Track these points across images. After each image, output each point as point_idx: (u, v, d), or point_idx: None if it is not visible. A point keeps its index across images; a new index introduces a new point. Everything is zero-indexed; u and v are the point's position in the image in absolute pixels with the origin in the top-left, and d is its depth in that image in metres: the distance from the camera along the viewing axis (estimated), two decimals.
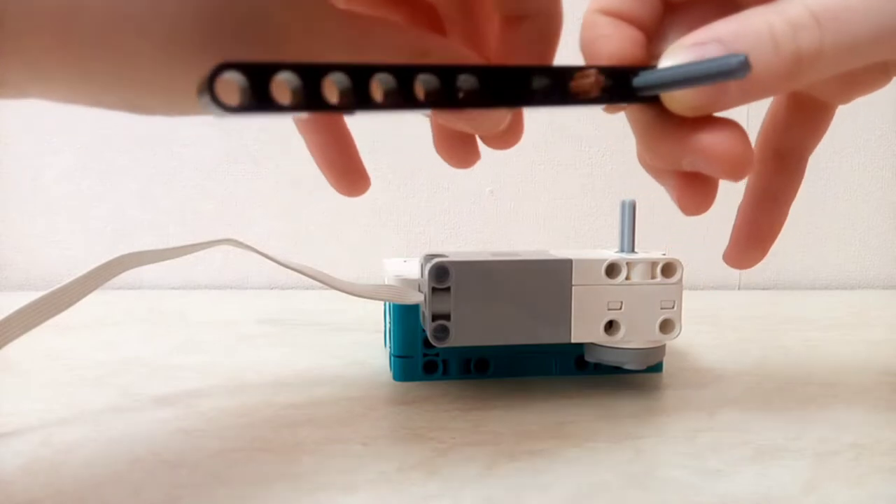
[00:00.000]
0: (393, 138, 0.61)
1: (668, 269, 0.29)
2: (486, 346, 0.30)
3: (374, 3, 0.23)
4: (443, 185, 0.63)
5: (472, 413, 0.27)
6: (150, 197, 0.62)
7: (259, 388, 0.30)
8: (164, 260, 0.29)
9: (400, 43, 0.19)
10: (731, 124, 0.20)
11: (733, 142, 0.20)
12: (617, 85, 0.20)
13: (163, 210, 0.62)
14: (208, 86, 0.15)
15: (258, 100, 0.15)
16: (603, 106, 0.20)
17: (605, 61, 0.21)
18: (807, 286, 0.65)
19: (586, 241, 0.63)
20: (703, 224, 0.58)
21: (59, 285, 0.26)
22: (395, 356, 0.31)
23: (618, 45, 0.21)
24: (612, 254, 0.30)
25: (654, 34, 0.22)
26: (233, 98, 0.15)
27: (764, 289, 0.64)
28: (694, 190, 0.22)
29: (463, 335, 0.28)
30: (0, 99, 0.17)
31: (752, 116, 0.29)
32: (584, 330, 0.29)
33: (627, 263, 0.29)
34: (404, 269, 0.32)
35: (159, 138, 0.62)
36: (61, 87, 0.17)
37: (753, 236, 0.26)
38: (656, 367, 0.32)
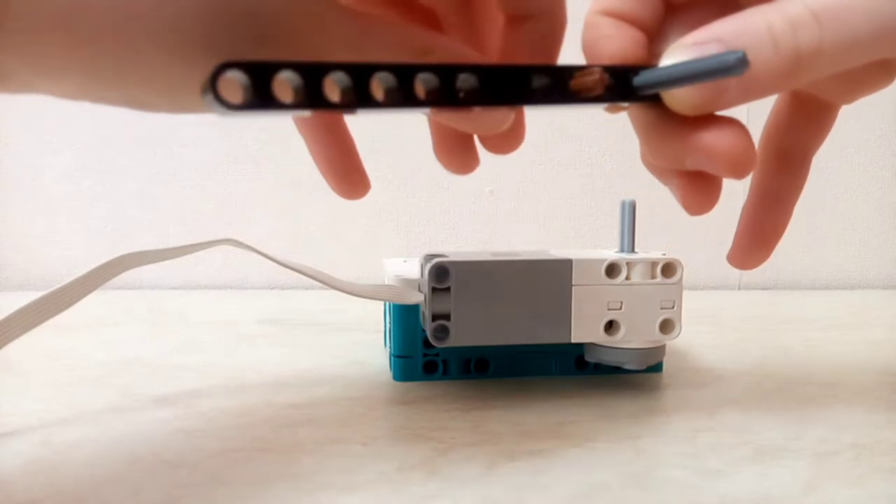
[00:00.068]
0: (393, 138, 0.61)
1: (668, 269, 0.29)
2: (486, 346, 0.30)
3: (374, 3, 0.23)
4: (443, 185, 0.63)
5: (472, 413, 0.27)
6: (150, 197, 0.62)
7: (259, 388, 0.30)
8: (164, 260, 0.29)
9: (401, 40, 0.19)
10: (732, 122, 0.20)
11: (735, 139, 0.20)
12: (617, 84, 0.20)
13: (163, 210, 0.62)
14: (211, 84, 0.15)
15: (260, 98, 0.16)
16: (605, 106, 0.20)
17: (606, 62, 0.21)
18: (807, 286, 0.65)
19: (586, 241, 0.63)
20: (703, 224, 0.58)
21: (59, 285, 0.26)
22: (395, 356, 0.31)
23: (619, 45, 0.21)
24: (612, 254, 0.30)
25: (656, 35, 0.22)
26: (235, 96, 0.15)
27: (764, 289, 0.64)
28: (698, 189, 0.22)
29: (463, 335, 0.28)
30: (7, 93, 0.17)
31: (752, 116, 0.29)
32: (584, 330, 0.29)
33: (627, 263, 0.29)
34: (404, 269, 0.32)
35: (159, 138, 0.62)
36: (66, 82, 0.17)
37: (757, 237, 0.26)
38: (656, 367, 0.32)
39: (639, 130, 0.22)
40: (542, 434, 0.25)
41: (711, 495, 0.20)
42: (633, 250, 0.30)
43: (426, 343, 0.30)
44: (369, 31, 0.19)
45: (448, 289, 0.28)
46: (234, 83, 0.15)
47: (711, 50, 0.19)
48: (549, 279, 0.28)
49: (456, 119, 0.21)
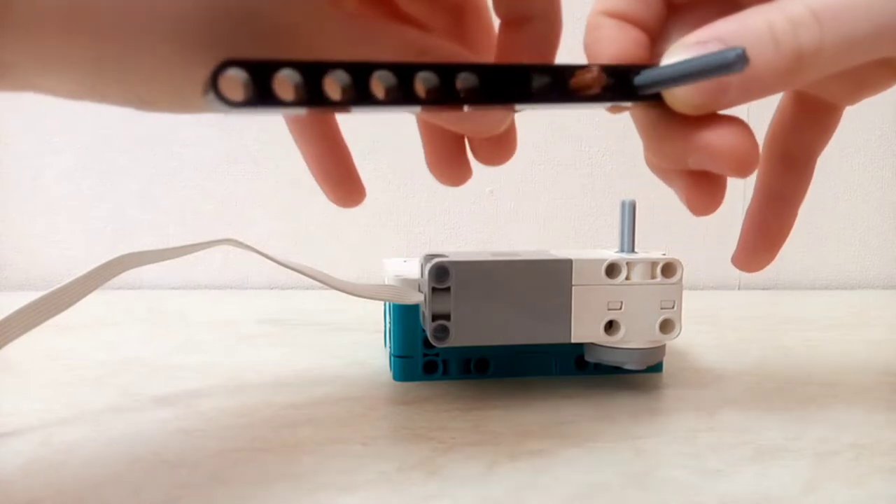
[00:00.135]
0: (393, 138, 0.61)
1: (668, 269, 0.29)
2: (486, 346, 0.30)
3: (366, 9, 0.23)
4: (443, 185, 0.63)
5: (472, 413, 0.27)
6: (150, 197, 0.62)
7: (259, 388, 0.30)
8: (164, 260, 0.29)
9: (400, 41, 0.19)
10: (734, 121, 0.20)
11: (738, 138, 0.20)
12: (619, 84, 0.20)
13: (163, 210, 0.62)
14: (212, 82, 0.15)
15: (261, 96, 0.16)
16: (607, 106, 0.20)
17: (608, 62, 0.21)
18: (807, 286, 0.65)
19: (586, 241, 0.63)
20: (703, 224, 0.58)
21: (59, 285, 0.26)
22: (395, 356, 0.31)
23: (621, 46, 0.21)
24: (612, 254, 0.30)
25: (658, 35, 0.22)
26: (236, 94, 0.16)
27: (764, 289, 0.64)
28: (702, 189, 0.22)
29: (463, 335, 0.28)
30: (8, 91, 0.17)
31: (752, 116, 0.29)
32: (584, 330, 0.29)
33: (627, 263, 0.29)
34: (404, 269, 0.32)
35: (159, 138, 0.62)
36: (67, 81, 0.17)
37: (762, 238, 0.25)
38: (656, 367, 0.32)
39: (641, 131, 0.22)
40: (542, 434, 0.25)
41: (711, 495, 0.20)
42: (633, 250, 0.30)
43: (426, 343, 0.30)
44: (369, 32, 0.19)
45: (448, 289, 0.28)
46: (236, 81, 0.15)
47: (713, 49, 0.19)
48: (549, 279, 0.28)
49: (454, 119, 0.21)
